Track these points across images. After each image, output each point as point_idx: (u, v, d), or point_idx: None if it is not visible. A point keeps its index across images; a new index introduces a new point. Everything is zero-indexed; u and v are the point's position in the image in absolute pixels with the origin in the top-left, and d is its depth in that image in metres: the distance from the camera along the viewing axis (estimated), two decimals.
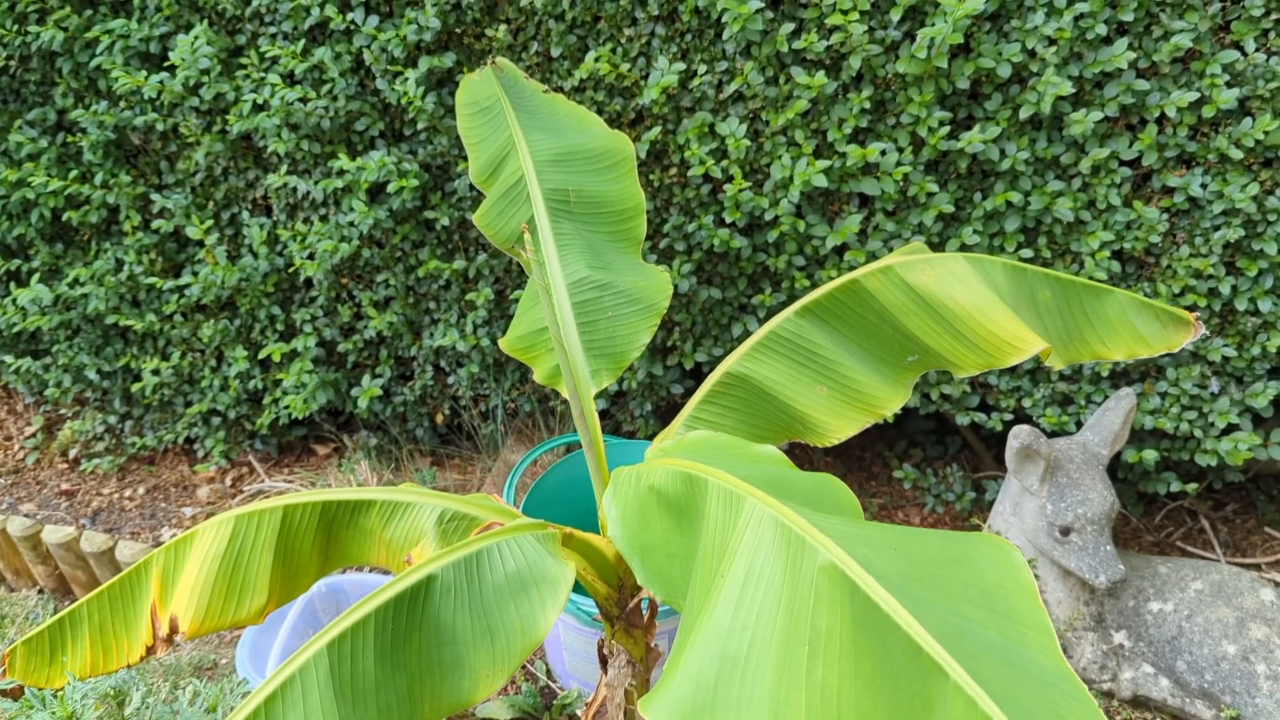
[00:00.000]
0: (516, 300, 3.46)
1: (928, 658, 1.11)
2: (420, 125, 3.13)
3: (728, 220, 3.05)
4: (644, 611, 2.24)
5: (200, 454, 4.15)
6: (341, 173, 3.24)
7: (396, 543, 2.06)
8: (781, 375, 2.02)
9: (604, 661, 2.29)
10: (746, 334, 3.25)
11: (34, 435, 4.41)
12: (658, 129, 2.95)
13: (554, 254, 2.24)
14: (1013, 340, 1.86)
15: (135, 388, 3.80)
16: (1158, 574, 3.15)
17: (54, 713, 2.19)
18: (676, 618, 2.87)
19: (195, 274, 3.59)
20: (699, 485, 1.58)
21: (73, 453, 4.26)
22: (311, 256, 3.42)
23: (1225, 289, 2.89)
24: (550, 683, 3.31)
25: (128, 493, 4.14)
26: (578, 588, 3.00)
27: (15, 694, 3.11)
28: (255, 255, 3.55)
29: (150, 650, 2.14)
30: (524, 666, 3.34)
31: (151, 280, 3.55)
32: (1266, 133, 2.60)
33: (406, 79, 3.04)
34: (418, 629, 1.68)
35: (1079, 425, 3.20)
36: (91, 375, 3.93)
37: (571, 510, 3.11)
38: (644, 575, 1.61)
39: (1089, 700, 1.10)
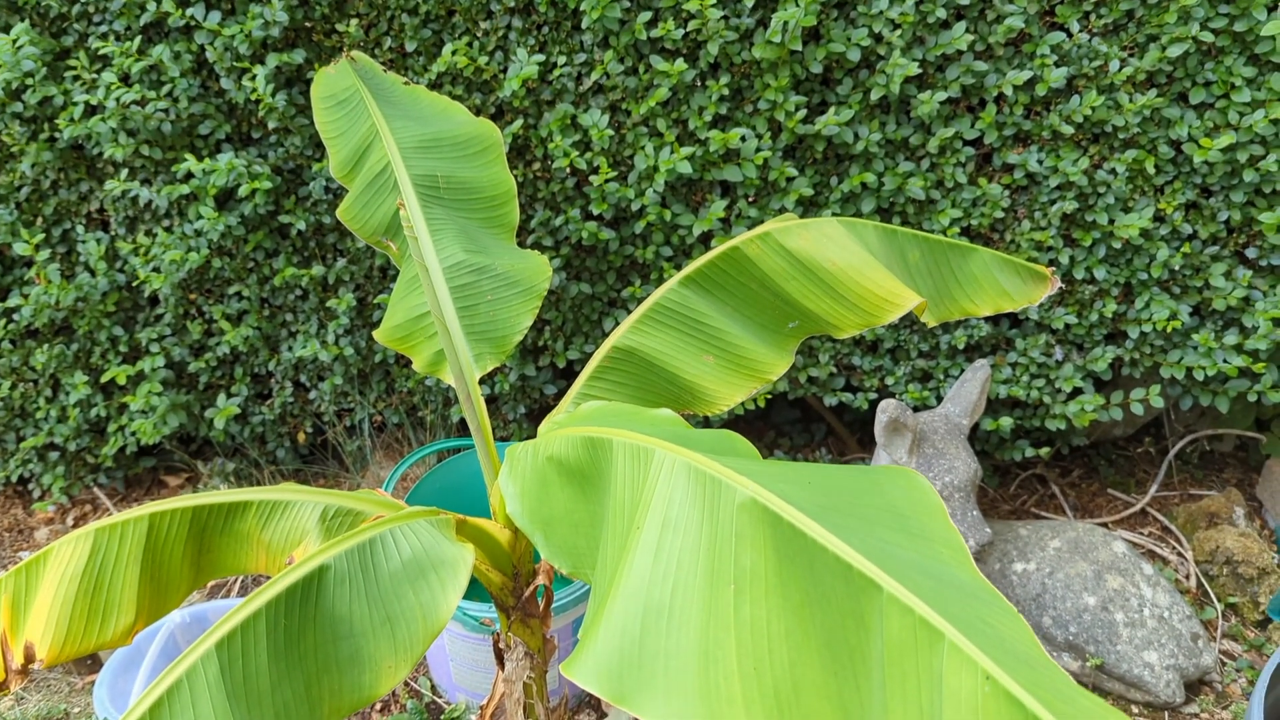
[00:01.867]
0: (380, 306, 3.36)
1: (859, 574, 1.12)
2: (271, 125, 3.01)
3: (595, 212, 3.05)
4: (539, 601, 2.19)
5: (37, 493, 3.84)
6: (188, 177, 3.08)
7: (277, 544, 1.95)
8: (669, 346, 2.02)
9: (500, 657, 2.22)
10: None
11: None
12: (519, 122, 2.92)
13: (427, 238, 2.18)
14: (890, 297, 1.92)
15: None
16: (1019, 536, 3.31)
17: None
18: (571, 611, 2.83)
19: (25, 296, 3.33)
20: (602, 447, 1.56)
21: None
22: (157, 270, 3.23)
23: (1064, 259, 3.07)
24: (436, 698, 3.20)
25: None
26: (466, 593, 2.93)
27: None
28: (93, 273, 3.32)
29: (2, 685, 1.95)
30: (407, 683, 3.22)
31: None
32: (1093, 109, 2.79)
33: (255, 75, 2.92)
34: (312, 624, 1.59)
35: (939, 399, 3.34)
36: None
37: (459, 509, 3.03)
38: (548, 549, 1.57)
39: (1010, 608, 1.13)
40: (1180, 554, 3.53)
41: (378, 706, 3.19)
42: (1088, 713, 0.94)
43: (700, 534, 1.27)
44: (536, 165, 3.07)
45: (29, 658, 1.87)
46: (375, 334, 2.22)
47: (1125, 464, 3.96)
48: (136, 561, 1.89)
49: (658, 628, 1.24)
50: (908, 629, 1.06)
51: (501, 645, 2.20)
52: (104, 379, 3.37)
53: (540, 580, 2.12)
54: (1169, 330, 3.06)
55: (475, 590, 3.12)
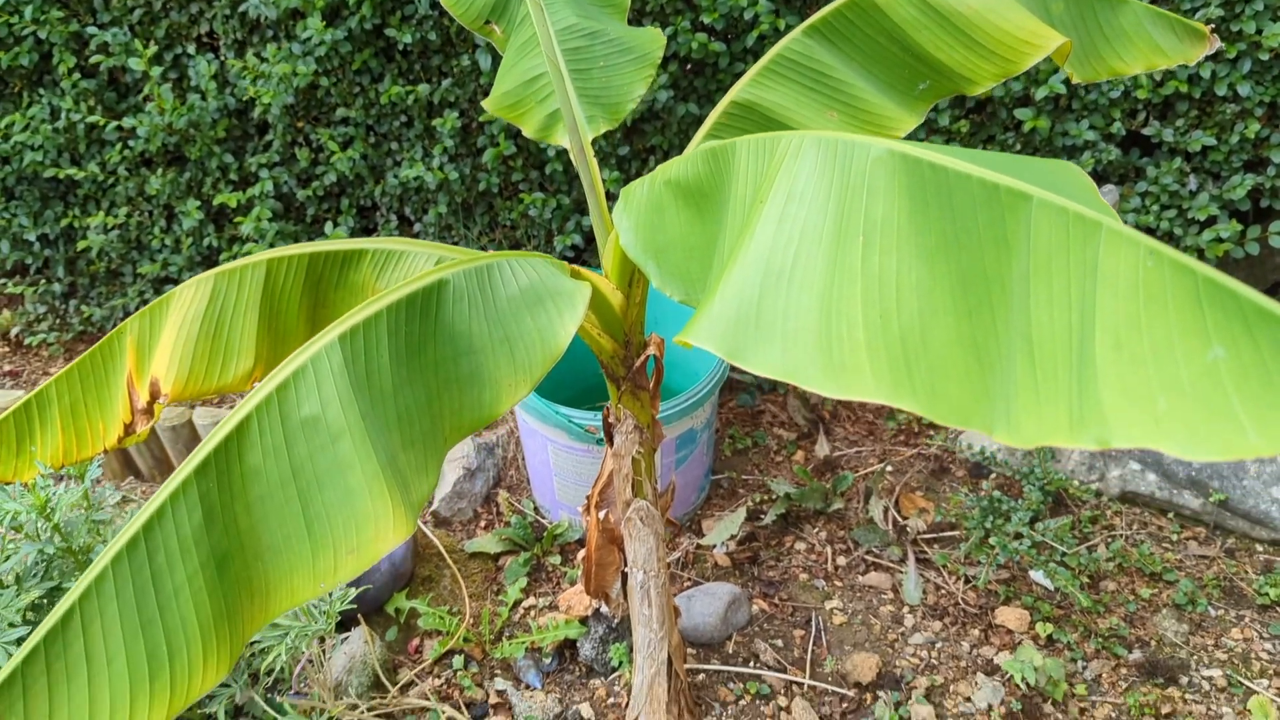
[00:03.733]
0: (483, 129, 3.32)
1: (1005, 191, 1.04)
2: None
3: (705, 22, 2.95)
4: (649, 376, 2.17)
5: None
6: None
7: None
8: (790, 100, 1.94)
9: (609, 433, 2.21)
10: None
11: None
12: None
13: (540, 5, 2.12)
14: (1030, 39, 1.80)
15: (81, 245, 3.59)
16: None
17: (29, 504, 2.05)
18: (675, 425, 2.81)
19: (139, 121, 3.39)
20: (723, 154, 1.50)
21: (14, 332, 4.04)
22: (265, 84, 3.24)
23: (1205, 74, 2.87)
24: (540, 517, 3.24)
25: None
26: (565, 399, 2.93)
27: None
28: (204, 95, 3.36)
29: (129, 428, 2.01)
30: (512, 503, 3.26)
31: (94, 119, 3.33)
32: None
33: None
34: (433, 338, 1.57)
35: None
36: (32, 239, 3.71)
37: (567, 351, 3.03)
38: (660, 276, 1.52)
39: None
40: None
41: (483, 523, 3.24)
42: (1251, 292, 0.86)
43: (829, 196, 1.21)
44: None
45: (154, 394, 1.91)
46: (484, 103, 2.17)
47: None
48: (255, 307, 1.91)
49: (777, 289, 1.19)
50: (1059, 229, 0.98)
51: (611, 419, 2.19)
52: (216, 202, 3.43)
53: (651, 351, 2.09)
54: None
55: (579, 397, 3.12)
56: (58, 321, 4.04)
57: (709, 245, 1.55)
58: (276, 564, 1.37)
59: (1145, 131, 3.03)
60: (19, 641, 1.88)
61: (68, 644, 1.23)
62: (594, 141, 2.79)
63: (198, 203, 3.52)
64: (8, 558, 2.06)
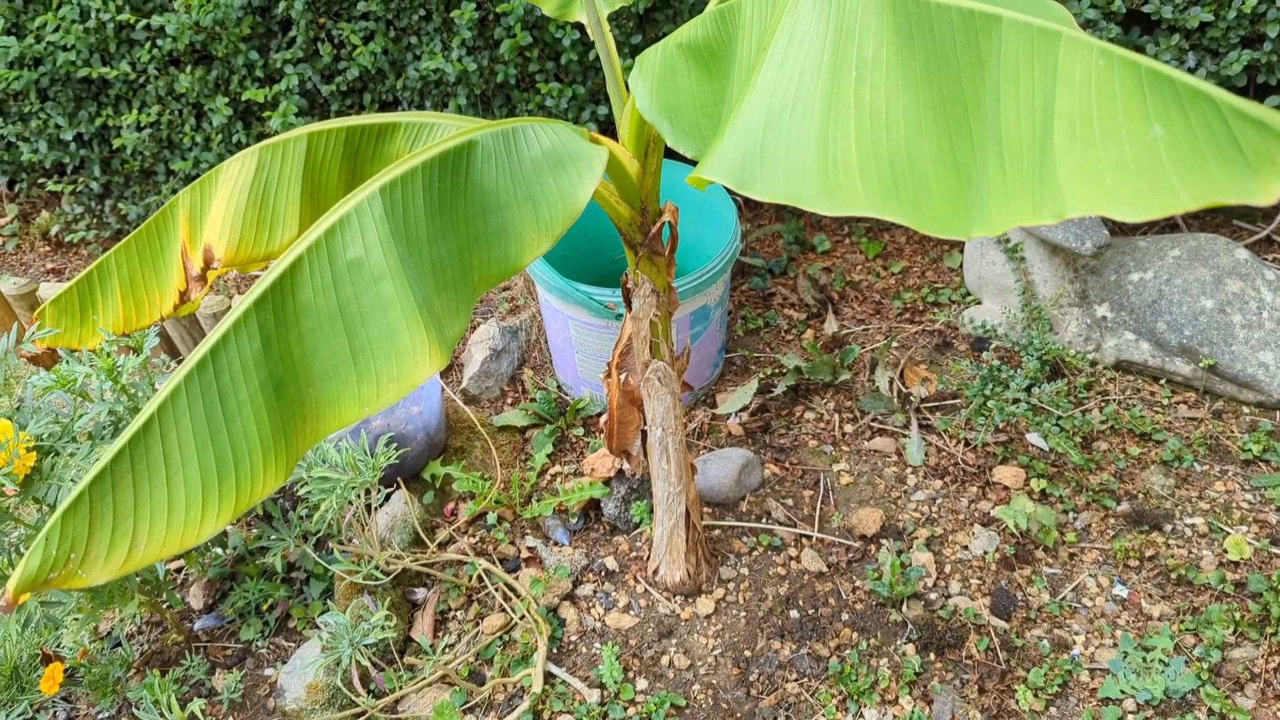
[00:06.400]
0: (499, 20, 3.41)
1: (980, 15, 1.17)
2: None
3: None
4: (664, 243, 2.31)
5: None
6: None
7: None
8: None
9: (628, 298, 2.37)
10: None
11: (10, 223, 4.35)
12: None
13: None
14: None
15: (116, 143, 3.73)
16: (1137, 248, 3.28)
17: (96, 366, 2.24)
18: (689, 301, 2.96)
19: (167, 19, 3.50)
20: (731, 13, 1.62)
21: (54, 231, 4.21)
22: None
23: None
24: (563, 394, 3.42)
25: None
26: (586, 276, 3.07)
27: (46, 361, 3.16)
28: None
29: (184, 295, 2.17)
30: (537, 380, 3.44)
31: (123, 19, 3.45)
32: None
33: None
34: (463, 194, 1.72)
35: None
36: (68, 138, 3.86)
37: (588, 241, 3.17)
38: (674, 134, 1.65)
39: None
40: None
41: (510, 400, 3.42)
42: (1186, 77, 1.00)
43: (825, 37, 1.33)
44: None
45: (208, 261, 2.07)
46: None
47: None
48: (298, 179, 2.06)
49: (779, 124, 1.33)
50: (1025, 42, 1.12)
51: (630, 284, 2.34)
52: (243, 99, 3.55)
53: (666, 217, 2.23)
54: None
55: (599, 281, 3.27)
56: (95, 220, 4.20)
57: (719, 101, 1.68)
58: (326, 389, 1.54)
59: (1145, 9, 3.10)
60: None
61: (148, 447, 1.41)
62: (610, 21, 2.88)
63: (226, 99, 3.65)
64: (81, 416, 2.25)
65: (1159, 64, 1.00)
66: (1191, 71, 3.13)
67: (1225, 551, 2.63)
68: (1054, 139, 1.06)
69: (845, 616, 2.61)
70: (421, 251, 1.64)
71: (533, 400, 3.35)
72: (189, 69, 3.62)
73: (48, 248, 4.28)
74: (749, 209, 4.14)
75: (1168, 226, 3.71)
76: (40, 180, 4.21)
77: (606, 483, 2.94)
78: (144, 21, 3.51)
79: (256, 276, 2.98)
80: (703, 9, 3.21)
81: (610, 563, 2.82)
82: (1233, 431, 3.00)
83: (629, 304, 2.37)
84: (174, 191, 3.99)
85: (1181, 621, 2.51)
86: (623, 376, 2.56)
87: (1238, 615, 2.48)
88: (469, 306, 1.69)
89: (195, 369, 1.44)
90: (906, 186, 1.22)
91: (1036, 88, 1.10)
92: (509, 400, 3.42)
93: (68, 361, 2.30)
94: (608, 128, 3.67)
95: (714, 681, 2.50)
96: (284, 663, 2.62)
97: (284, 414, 1.51)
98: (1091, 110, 1.04)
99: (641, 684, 2.51)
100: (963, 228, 1.17)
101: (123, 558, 1.37)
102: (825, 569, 2.74)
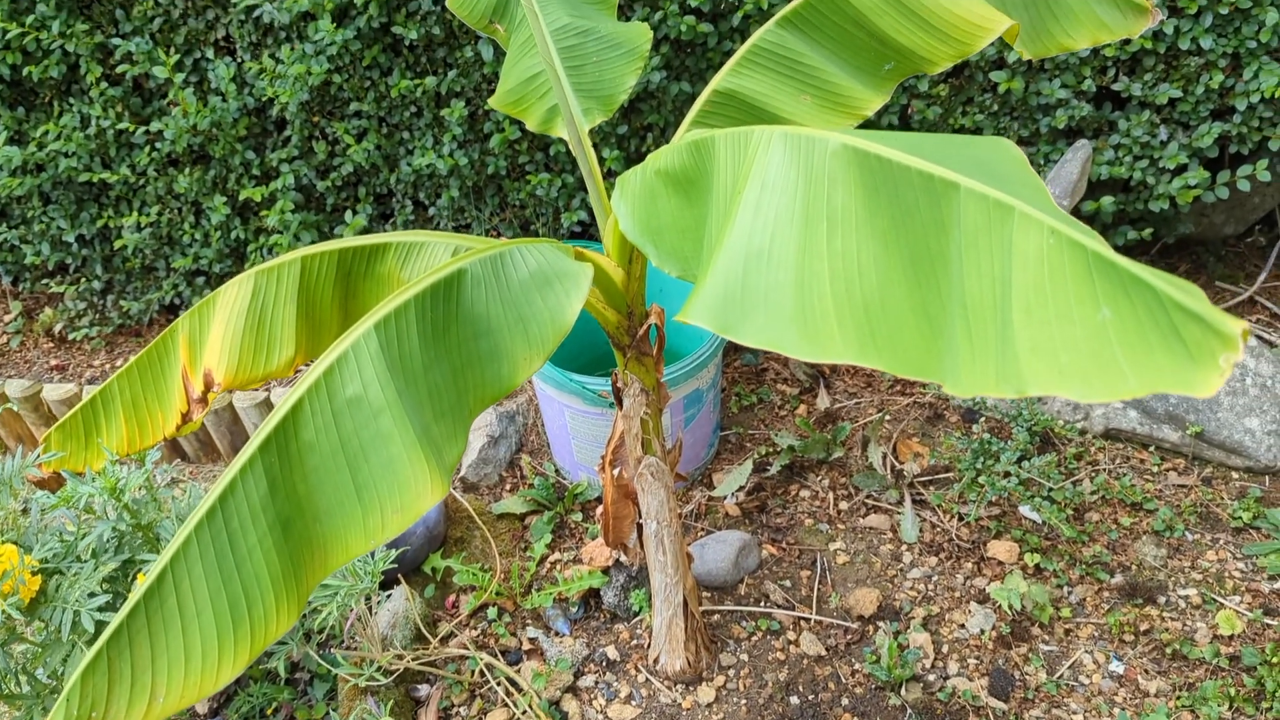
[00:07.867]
0: (489, 116, 3.51)
1: (939, 181, 1.24)
2: None
3: (692, 5, 3.12)
4: (652, 343, 2.37)
5: None
6: None
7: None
8: (767, 87, 2.12)
9: (618, 396, 2.42)
10: None
11: (14, 320, 4.42)
12: None
13: (535, 7, 2.31)
14: (981, 22, 1.97)
15: (118, 244, 3.82)
16: None
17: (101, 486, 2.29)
18: (681, 386, 3.02)
19: (165, 123, 3.60)
20: (705, 147, 1.69)
21: (58, 328, 4.28)
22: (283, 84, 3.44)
23: (1169, 29, 3.02)
24: (560, 479, 3.46)
25: (118, 362, 4.18)
26: (578, 367, 3.13)
27: (52, 485, 3.20)
28: (224, 97, 3.56)
29: (185, 417, 2.23)
30: (534, 466, 3.49)
31: (123, 126, 3.55)
32: None
33: None
34: (455, 320, 1.78)
35: None
36: (70, 240, 3.94)
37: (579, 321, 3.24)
38: (658, 256, 1.72)
39: (1090, 230, 1.24)
40: None
41: (508, 485, 3.47)
42: (1129, 264, 1.05)
43: (796, 186, 1.40)
44: None
45: (208, 384, 2.13)
46: (490, 101, 2.37)
47: (1234, 258, 3.92)
48: (293, 300, 2.12)
49: (758, 268, 1.39)
50: (982, 213, 1.18)
51: (620, 384, 2.40)
52: (241, 197, 3.64)
53: (652, 320, 2.29)
54: (1278, 97, 3.00)
55: (592, 365, 3.33)
56: (97, 316, 4.28)
57: (699, 226, 1.75)
58: (332, 524, 1.59)
59: (1115, 87, 3.19)
60: (101, 609, 2.11)
61: (163, 599, 1.46)
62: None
63: (224, 198, 3.74)
64: (84, 535, 2.30)
65: (1101, 244, 1.06)
66: (1164, 144, 3.22)
67: (1218, 625, 2.66)
68: (1013, 313, 1.12)
69: (845, 701, 2.64)
70: (418, 381, 1.70)
71: (531, 486, 3.39)
72: (187, 169, 3.72)
73: (51, 344, 4.35)
74: None
75: None
76: (43, 279, 4.29)
77: (605, 571, 2.97)
78: (143, 128, 3.60)
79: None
80: (685, 99, 3.31)
81: (611, 652, 2.85)
82: (1223, 498, 3.04)
83: (620, 402, 2.43)
84: (174, 287, 4.07)
85: (1178, 698, 2.53)
86: (616, 471, 2.61)
87: (1233, 690, 2.50)
88: (466, 429, 1.74)
89: (205, 517, 1.49)
90: (882, 332, 1.27)
91: (995, 258, 1.16)
92: (507, 486, 3.47)
93: (72, 484, 2.35)
94: None
95: None
96: None
97: (293, 552, 1.55)
98: (1045, 287, 1.10)
99: None
100: (938, 374, 1.22)
101: (142, 712, 1.41)
102: (824, 652, 2.76)
